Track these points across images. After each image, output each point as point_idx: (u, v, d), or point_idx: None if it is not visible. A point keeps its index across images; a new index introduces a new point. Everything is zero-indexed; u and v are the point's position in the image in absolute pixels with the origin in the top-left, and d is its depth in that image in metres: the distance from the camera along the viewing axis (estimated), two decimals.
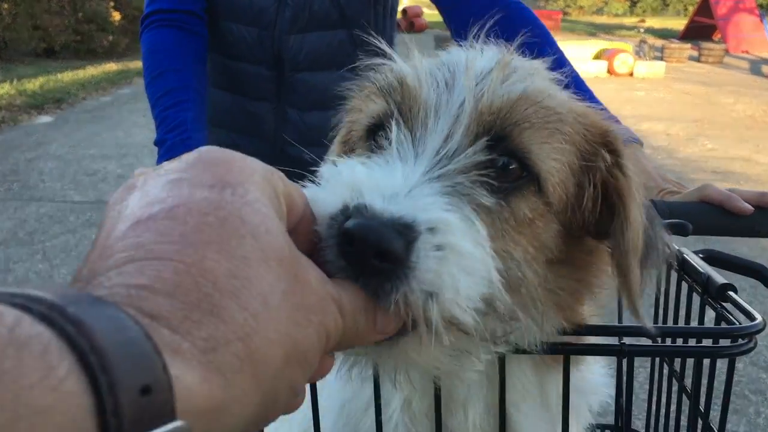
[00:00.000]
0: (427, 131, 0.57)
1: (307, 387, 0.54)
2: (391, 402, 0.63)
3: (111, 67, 13.96)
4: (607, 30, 28.68)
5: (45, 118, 8.56)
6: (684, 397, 0.72)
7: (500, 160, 0.58)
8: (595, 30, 28.56)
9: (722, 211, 1.01)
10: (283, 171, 0.47)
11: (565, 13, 37.74)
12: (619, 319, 0.84)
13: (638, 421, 0.99)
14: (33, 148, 6.75)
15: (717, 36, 22.26)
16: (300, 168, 0.58)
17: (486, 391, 0.63)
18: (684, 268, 0.77)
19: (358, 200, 0.48)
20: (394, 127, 0.58)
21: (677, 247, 0.80)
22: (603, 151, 0.64)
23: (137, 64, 14.76)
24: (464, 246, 0.50)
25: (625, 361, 0.60)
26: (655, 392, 0.88)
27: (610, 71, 14.35)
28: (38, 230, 4.36)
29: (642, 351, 0.59)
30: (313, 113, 1.39)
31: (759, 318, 0.59)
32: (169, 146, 1.16)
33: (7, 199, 5.03)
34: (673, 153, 7.29)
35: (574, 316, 0.63)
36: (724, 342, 0.58)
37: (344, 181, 0.51)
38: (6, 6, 12.39)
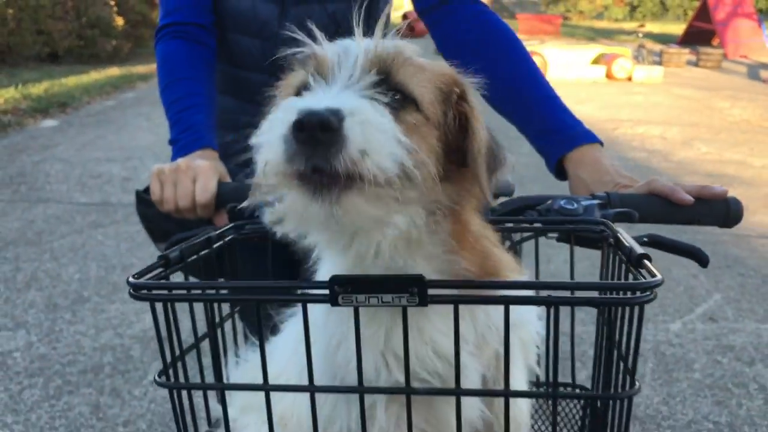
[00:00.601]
0: (335, 77, 0.81)
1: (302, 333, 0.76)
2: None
3: (114, 71, 14.08)
4: (607, 35, 28.77)
5: (50, 122, 8.69)
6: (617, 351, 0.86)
7: (388, 94, 0.79)
8: (594, 35, 28.64)
9: (667, 202, 1.13)
10: None
11: (566, 18, 37.77)
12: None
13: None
14: (39, 152, 6.87)
15: (716, 41, 22.28)
16: None
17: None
18: (617, 243, 0.91)
19: (298, 107, 0.70)
20: (310, 79, 0.82)
21: (618, 229, 0.94)
22: (454, 89, 0.87)
23: (140, 69, 14.90)
24: (377, 118, 0.72)
25: (552, 312, 0.73)
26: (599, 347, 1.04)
27: (609, 76, 14.43)
28: (46, 231, 4.47)
29: (564, 301, 0.72)
30: None
31: (659, 276, 0.72)
32: (182, 145, 1.28)
33: (15, 200, 5.14)
34: (668, 156, 7.37)
35: (466, 235, 0.86)
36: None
37: (285, 107, 0.73)
38: (11, 11, 12.48)
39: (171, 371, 0.88)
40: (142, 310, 3.33)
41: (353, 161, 0.68)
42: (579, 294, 0.74)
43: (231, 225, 1.10)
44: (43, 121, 8.78)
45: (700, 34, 23.53)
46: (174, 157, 1.26)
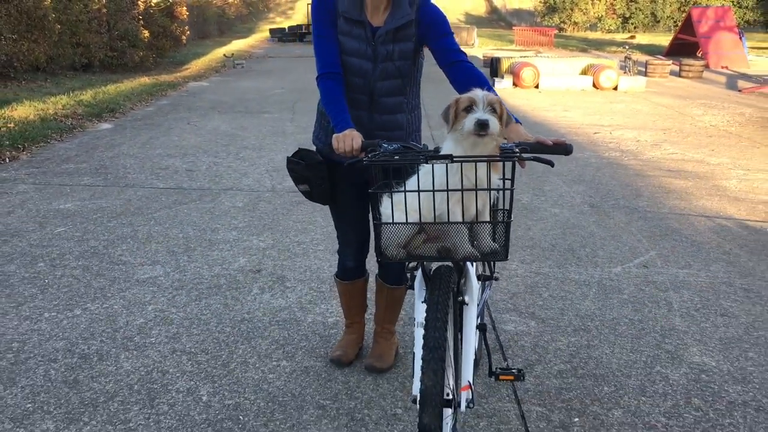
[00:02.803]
0: (479, 106, 2.10)
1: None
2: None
3: (144, 80, 15.37)
4: (599, 45, 30.02)
5: (105, 125, 9.96)
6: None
7: (493, 112, 2.15)
8: (587, 46, 29.90)
9: (545, 144, 2.22)
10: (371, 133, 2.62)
11: (561, 29, 39.03)
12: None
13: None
14: (108, 149, 8.17)
15: (700, 52, 23.60)
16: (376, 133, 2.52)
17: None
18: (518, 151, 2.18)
19: (479, 117, 2.08)
20: (473, 105, 2.11)
21: (508, 143, 2.17)
22: (501, 104, 2.20)
23: (165, 78, 16.24)
24: (494, 120, 2.09)
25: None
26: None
27: (596, 85, 15.69)
28: (143, 207, 5.78)
29: (467, 159, 2.07)
30: (383, 116, 2.79)
31: (517, 151, 2.10)
32: (341, 127, 2.46)
33: (107, 185, 6.46)
34: (638, 155, 8.49)
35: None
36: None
37: (474, 116, 2.10)
38: (58, 26, 13.81)
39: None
40: (238, 253, 4.64)
41: (492, 131, 2.06)
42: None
43: (365, 158, 2.22)
44: (99, 124, 10.06)
45: (685, 46, 24.77)
46: (338, 131, 2.49)
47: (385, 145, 2.28)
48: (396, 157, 2.18)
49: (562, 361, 3.32)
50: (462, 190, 2.10)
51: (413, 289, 2.44)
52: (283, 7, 54.36)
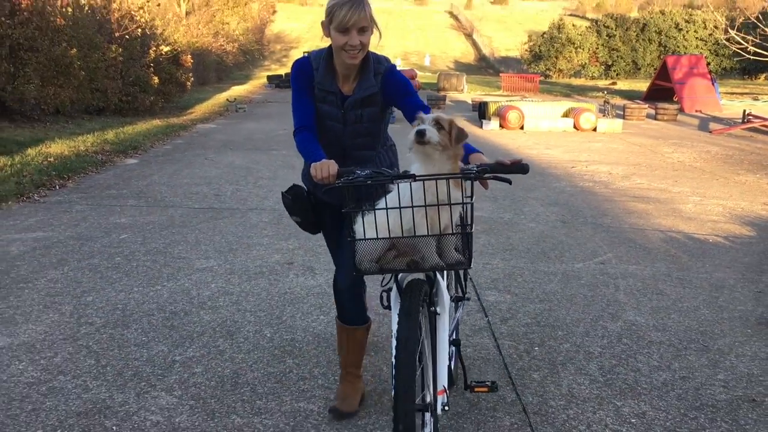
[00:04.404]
0: (424, 122, 2.44)
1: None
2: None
3: (156, 122, 16.56)
4: (581, 91, 31.53)
5: (132, 160, 11.08)
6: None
7: (437, 125, 2.45)
8: (570, 91, 31.43)
9: (503, 164, 2.38)
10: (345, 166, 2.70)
11: (546, 76, 40.73)
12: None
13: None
14: (141, 179, 9.28)
15: (676, 98, 25.04)
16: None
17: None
18: (479, 173, 2.41)
19: (418, 128, 2.41)
20: (421, 122, 2.51)
21: (473, 167, 2.42)
22: (452, 121, 2.47)
23: (175, 120, 17.42)
24: (432, 130, 2.39)
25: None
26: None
27: (576, 127, 16.94)
28: (185, 221, 6.86)
29: (429, 177, 2.37)
30: (355, 161, 2.98)
31: (476, 170, 2.39)
32: (316, 159, 2.61)
33: (150, 206, 7.54)
34: (609, 185, 9.51)
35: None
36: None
37: (415, 130, 2.42)
38: (83, 73, 15.05)
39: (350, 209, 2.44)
40: (272, 252, 5.71)
41: (429, 138, 2.33)
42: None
43: (338, 182, 2.43)
44: (126, 159, 11.18)
45: (662, 92, 26.26)
46: (315, 161, 2.58)
47: (358, 171, 2.45)
48: (367, 180, 2.38)
49: (528, 318, 4.42)
50: (426, 206, 2.34)
51: (389, 308, 2.69)
52: (277, 55, 56.27)
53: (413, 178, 2.32)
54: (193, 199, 7.95)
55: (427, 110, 2.74)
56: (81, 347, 3.85)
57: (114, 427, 3.00)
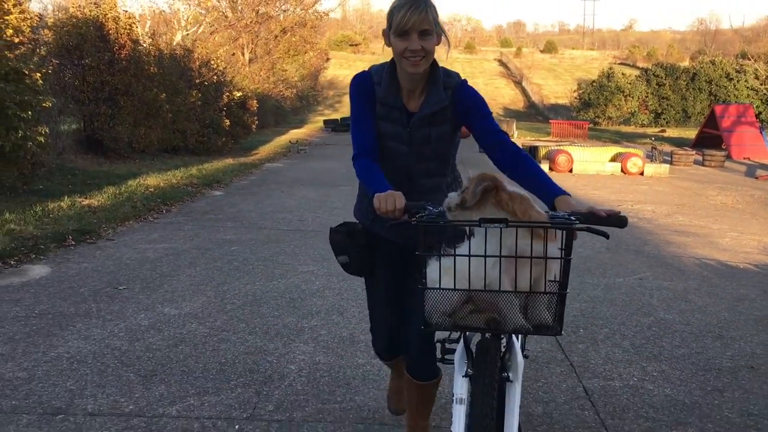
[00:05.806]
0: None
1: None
2: None
3: (228, 161, 17.93)
4: (629, 138, 32.18)
5: (218, 192, 12.38)
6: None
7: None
8: (619, 138, 32.06)
9: (599, 215, 2.13)
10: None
11: (595, 123, 41.32)
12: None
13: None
14: (231, 207, 10.54)
15: (724, 145, 25.57)
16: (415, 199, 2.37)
17: None
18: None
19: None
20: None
21: (564, 214, 2.07)
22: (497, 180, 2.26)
23: (245, 160, 18.80)
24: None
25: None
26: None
27: (624, 171, 17.69)
28: (280, 239, 8.02)
29: (524, 224, 1.96)
30: (421, 191, 2.65)
31: (573, 218, 2.00)
32: (380, 189, 2.31)
33: (246, 227, 8.75)
34: (652, 221, 10.26)
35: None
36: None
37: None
38: (170, 115, 16.67)
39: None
40: None
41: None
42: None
43: (413, 220, 2.11)
44: (212, 191, 12.49)
45: (711, 139, 26.74)
46: (379, 192, 2.30)
47: (430, 208, 2.18)
48: (449, 222, 2.09)
49: (575, 312, 5.42)
50: (516, 257, 1.96)
51: (450, 363, 2.43)
52: (330, 100, 58.34)
53: (505, 223, 1.95)
54: (281, 223, 9.16)
55: (503, 135, 2.56)
56: (231, 317, 5.02)
57: (274, 360, 4.18)
